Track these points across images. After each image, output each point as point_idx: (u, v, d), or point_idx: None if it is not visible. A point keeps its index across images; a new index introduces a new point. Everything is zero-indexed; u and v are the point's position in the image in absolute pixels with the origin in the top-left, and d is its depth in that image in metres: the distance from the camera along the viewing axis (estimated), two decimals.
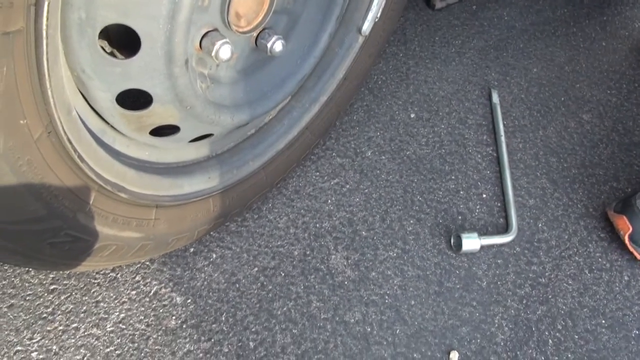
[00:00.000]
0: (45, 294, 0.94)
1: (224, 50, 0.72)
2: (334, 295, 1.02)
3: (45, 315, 0.92)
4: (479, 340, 1.01)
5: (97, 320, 0.92)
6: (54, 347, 0.89)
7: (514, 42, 1.67)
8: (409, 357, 0.97)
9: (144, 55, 0.66)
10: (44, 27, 0.52)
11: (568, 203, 1.26)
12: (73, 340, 0.90)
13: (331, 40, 1.04)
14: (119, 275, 0.98)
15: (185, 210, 0.89)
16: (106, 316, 0.93)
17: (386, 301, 1.03)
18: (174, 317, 0.95)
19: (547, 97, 1.51)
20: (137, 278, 0.99)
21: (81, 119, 0.67)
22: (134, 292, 0.97)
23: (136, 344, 0.91)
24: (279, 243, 1.08)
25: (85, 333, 0.91)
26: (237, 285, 1.01)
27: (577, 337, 1.05)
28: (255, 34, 0.83)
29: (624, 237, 1.14)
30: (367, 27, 1.02)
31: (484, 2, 1.79)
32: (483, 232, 1.17)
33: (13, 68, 0.51)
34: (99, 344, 0.90)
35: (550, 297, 1.09)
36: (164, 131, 0.81)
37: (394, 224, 1.15)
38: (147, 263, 1.01)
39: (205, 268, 1.02)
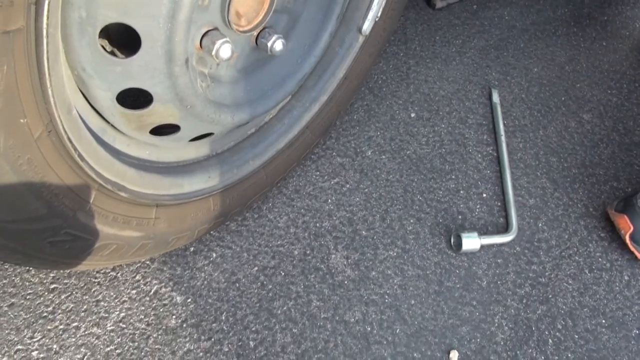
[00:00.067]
0: (46, 293, 0.94)
1: (224, 50, 0.72)
2: (334, 295, 1.02)
3: (45, 314, 0.92)
4: (478, 340, 1.01)
5: (97, 320, 0.93)
6: (55, 346, 0.89)
7: (514, 42, 1.67)
8: (409, 356, 0.97)
9: (144, 54, 0.66)
10: (45, 26, 0.52)
11: (568, 203, 1.26)
12: (73, 339, 0.90)
13: (331, 40, 1.04)
14: (119, 274, 0.98)
15: (185, 209, 0.89)
16: (106, 315, 0.93)
17: (386, 300, 1.03)
18: (174, 317, 0.95)
19: (548, 97, 1.51)
20: (137, 277, 0.99)
21: (81, 118, 0.67)
22: (134, 291, 0.97)
23: (136, 343, 0.91)
24: (279, 242, 1.08)
25: (86, 332, 0.91)
26: (237, 285, 1.01)
27: (577, 336, 1.05)
28: (255, 33, 0.83)
29: (625, 237, 1.14)
30: (367, 26, 1.02)
31: (484, 2, 1.79)
32: (483, 232, 1.17)
33: (13, 67, 0.51)
34: (100, 343, 0.90)
35: (550, 296, 1.09)
36: (164, 130, 0.81)
37: (394, 224, 1.15)
38: (148, 262, 1.01)
39: (206, 267, 1.02)
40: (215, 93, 0.84)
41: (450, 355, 0.98)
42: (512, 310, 1.06)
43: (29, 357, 0.87)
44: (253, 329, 0.96)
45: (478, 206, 1.22)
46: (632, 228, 1.13)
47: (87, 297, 0.95)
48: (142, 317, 0.94)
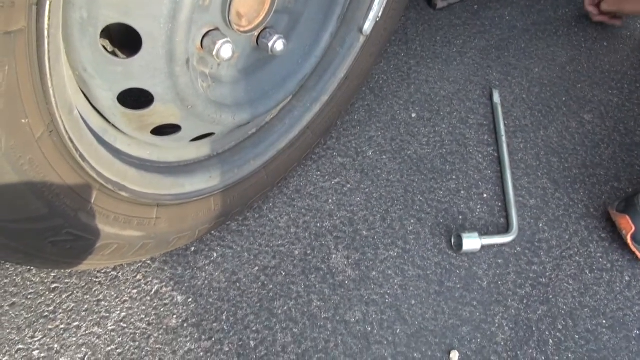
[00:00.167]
0: (47, 293, 0.94)
1: (225, 50, 0.72)
2: (334, 295, 1.03)
3: (46, 313, 0.92)
4: (479, 340, 1.01)
5: (98, 319, 0.93)
6: (56, 346, 0.89)
7: (515, 42, 1.66)
8: (409, 356, 0.97)
9: (145, 54, 0.67)
10: (46, 26, 0.52)
11: (569, 203, 1.26)
12: (74, 339, 0.90)
13: (332, 40, 1.04)
14: (120, 274, 0.99)
15: (186, 209, 0.89)
16: (107, 315, 0.93)
17: (387, 301, 1.03)
18: (175, 316, 0.95)
19: (549, 97, 1.51)
20: (138, 277, 0.99)
21: (82, 118, 0.67)
22: (135, 291, 0.97)
23: (137, 343, 0.91)
24: (279, 242, 1.08)
25: (87, 332, 0.91)
26: (238, 285, 1.01)
27: (577, 337, 1.05)
28: (256, 33, 0.83)
29: (626, 237, 1.14)
30: (368, 26, 1.02)
31: (485, 2, 1.79)
32: (484, 232, 1.17)
33: (15, 67, 0.51)
34: (100, 342, 0.90)
35: (550, 297, 1.09)
36: (165, 130, 0.81)
37: (395, 224, 1.15)
38: (149, 262, 1.01)
39: (206, 267, 1.02)
40: (216, 93, 0.84)
41: (451, 355, 0.98)
42: (513, 311, 1.06)
43: (30, 356, 0.87)
44: (254, 328, 0.96)
45: (479, 206, 1.22)
46: (633, 228, 1.13)
47: (88, 296, 0.95)
48: (143, 316, 0.94)
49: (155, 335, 0.93)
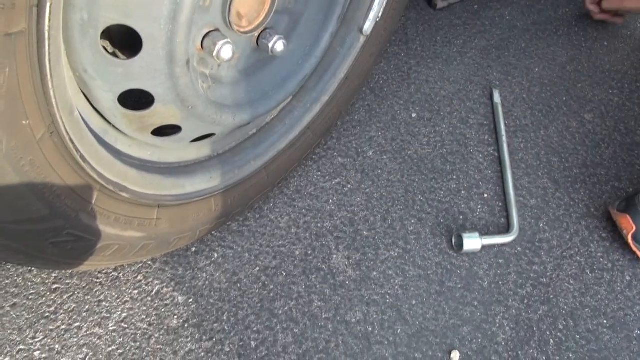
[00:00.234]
0: (48, 293, 0.94)
1: (225, 51, 0.72)
2: (335, 295, 1.03)
3: (47, 314, 0.92)
4: (480, 340, 1.01)
5: (99, 320, 0.93)
6: (57, 346, 0.89)
7: (515, 42, 1.66)
8: (410, 356, 0.97)
9: (146, 55, 0.67)
10: (46, 28, 0.52)
11: (570, 203, 1.26)
12: (75, 340, 0.90)
13: (332, 40, 1.04)
14: (121, 274, 0.99)
15: (187, 209, 0.89)
16: (108, 315, 0.93)
17: (387, 301, 1.03)
18: (175, 317, 0.96)
19: (549, 97, 1.51)
20: (139, 277, 0.99)
21: (83, 119, 0.67)
22: (136, 292, 0.97)
23: (138, 343, 0.92)
24: (280, 243, 1.08)
25: (88, 332, 0.91)
26: (239, 285, 1.01)
27: (578, 337, 1.05)
28: (256, 34, 0.83)
29: (627, 237, 1.14)
30: (368, 26, 1.02)
31: (485, 2, 1.79)
32: (484, 232, 1.17)
33: (15, 69, 0.51)
34: (101, 343, 0.91)
35: (551, 297, 1.09)
36: (165, 131, 0.82)
37: (395, 224, 1.15)
38: (149, 262, 1.01)
39: (207, 267, 1.02)
40: (216, 94, 0.84)
41: (452, 355, 0.98)
42: (514, 311, 1.06)
43: (31, 357, 0.87)
44: (254, 329, 0.96)
45: (479, 206, 1.22)
46: (634, 228, 1.13)
47: (89, 297, 0.95)
48: (144, 317, 0.94)
49: (156, 335, 0.93)
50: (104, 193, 0.71)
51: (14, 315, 0.91)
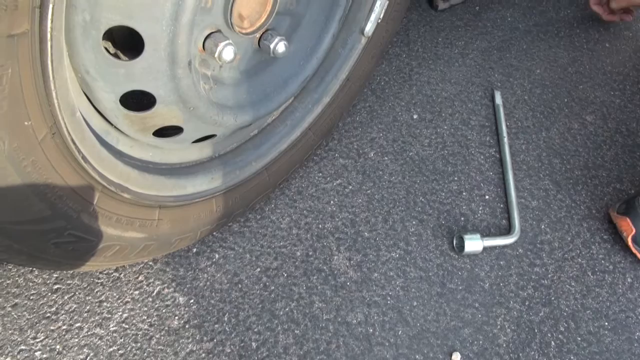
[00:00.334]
0: (49, 294, 0.94)
1: (227, 52, 0.73)
2: (336, 296, 1.03)
3: (48, 314, 0.92)
4: (481, 342, 1.01)
5: (100, 320, 0.93)
6: (58, 347, 0.89)
7: (517, 43, 1.66)
8: (411, 358, 0.97)
9: (148, 56, 0.67)
10: (49, 29, 0.52)
11: (571, 205, 1.26)
12: (76, 340, 0.90)
13: (334, 42, 1.04)
14: (122, 275, 0.99)
15: (188, 210, 0.89)
16: (109, 316, 0.94)
17: (388, 302, 1.03)
18: (176, 317, 0.96)
19: (550, 99, 1.51)
20: (140, 278, 0.99)
21: (85, 120, 0.67)
22: (137, 292, 0.97)
23: (139, 344, 0.92)
24: (281, 244, 1.08)
25: (89, 332, 0.91)
26: (240, 286, 1.01)
27: (579, 339, 1.04)
28: (258, 35, 0.83)
29: (627, 239, 1.14)
30: (370, 28, 1.02)
31: (487, 3, 1.79)
32: (485, 234, 1.17)
33: (18, 70, 0.51)
34: (102, 343, 0.91)
35: (552, 298, 1.09)
36: (167, 132, 0.82)
37: (397, 225, 1.15)
38: (150, 263, 1.01)
39: (208, 268, 1.03)
40: (218, 95, 0.84)
41: (453, 357, 0.98)
42: (515, 313, 1.06)
43: (32, 357, 0.88)
44: (255, 330, 0.96)
45: (480, 208, 1.22)
46: (634, 230, 1.13)
47: (90, 297, 0.95)
48: (145, 317, 0.94)
49: (157, 336, 0.93)
50: (105, 194, 0.71)
51: (15, 316, 0.91)
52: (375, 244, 1.11)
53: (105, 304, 0.95)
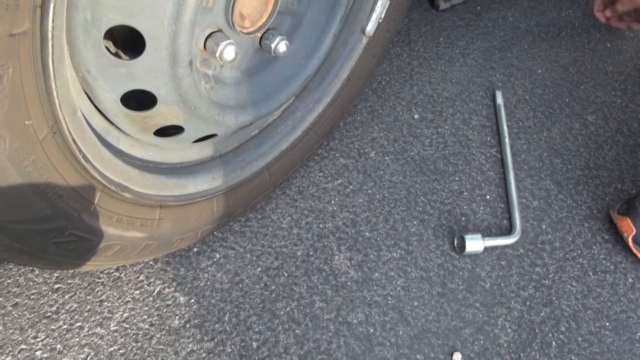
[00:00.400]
0: (50, 293, 0.94)
1: (228, 51, 0.72)
2: (337, 296, 1.03)
3: (49, 314, 0.92)
4: (482, 342, 1.01)
5: (101, 320, 0.93)
6: (58, 346, 0.89)
7: (518, 43, 1.66)
8: (411, 358, 0.97)
9: (149, 56, 0.67)
10: (50, 28, 0.52)
11: (572, 205, 1.26)
12: (77, 339, 0.90)
13: (335, 41, 1.04)
14: (122, 274, 0.99)
15: (189, 210, 0.89)
16: (110, 315, 0.94)
17: (389, 302, 1.03)
18: (177, 317, 0.96)
19: (552, 99, 1.51)
20: (140, 277, 0.99)
21: (86, 120, 0.67)
22: (137, 292, 0.97)
23: (140, 344, 0.92)
24: (282, 243, 1.08)
25: (89, 332, 0.91)
26: (241, 285, 1.01)
27: (580, 339, 1.04)
28: (259, 34, 0.83)
29: (628, 239, 1.14)
30: (371, 27, 1.02)
31: (488, 3, 1.78)
32: (486, 234, 1.17)
33: (19, 69, 0.51)
34: (103, 343, 0.91)
35: (554, 299, 1.09)
36: (168, 131, 0.82)
37: (398, 225, 1.15)
38: (151, 263, 1.01)
39: (209, 268, 1.02)
40: (219, 94, 0.84)
41: (454, 357, 0.98)
42: (516, 313, 1.06)
43: (32, 356, 0.88)
44: (256, 329, 0.96)
45: (481, 208, 1.22)
46: (634, 231, 1.13)
47: (90, 297, 0.95)
48: (146, 317, 0.94)
49: (157, 336, 0.93)
50: (106, 193, 0.71)
51: (15, 315, 0.91)
52: (376, 244, 1.11)
53: (105, 303, 0.95)
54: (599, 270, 1.15)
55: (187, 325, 0.95)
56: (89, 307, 0.94)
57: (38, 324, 0.91)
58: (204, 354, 0.92)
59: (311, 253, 1.08)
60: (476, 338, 1.01)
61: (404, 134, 1.33)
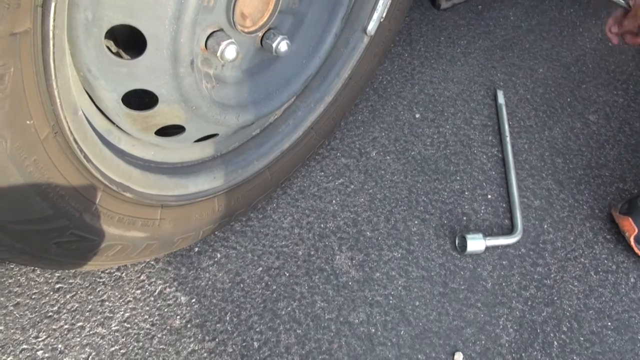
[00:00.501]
0: (51, 293, 0.94)
1: (229, 51, 0.72)
2: (338, 296, 1.02)
3: (50, 313, 0.92)
4: (483, 342, 1.01)
5: (102, 319, 0.93)
6: (60, 346, 0.89)
7: (519, 42, 1.66)
8: (413, 358, 0.97)
9: (150, 55, 0.67)
10: (51, 28, 0.52)
11: (574, 204, 1.26)
12: (78, 339, 0.90)
13: (336, 40, 1.04)
14: (124, 274, 0.99)
15: (190, 210, 0.89)
16: (111, 315, 0.93)
17: (390, 302, 1.03)
18: (178, 317, 0.96)
19: (553, 98, 1.51)
20: (142, 277, 0.99)
21: (87, 119, 0.67)
22: (139, 292, 0.97)
23: (141, 343, 0.92)
24: (283, 243, 1.08)
25: (91, 332, 0.91)
26: (242, 285, 1.01)
27: (582, 339, 1.04)
28: (260, 34, 0.83)
29: (629, 239, 1.14)
30: (372, 27, 1.01)
31: (489, 2, 1.78)
32: (488, 233, 1.16)
33: (20, 69, 0.51)
34: (104, 342, 0.91)
35: (555, 298, 1.09)
36: (169, 131, 0.81)
37: (399, 225, 1.15)
38: (152, 262, 1.01)
39: (210, 268, 1.02)
40: (220, 94, 0.84)
41: (455, 357, 0.98)
42: (517, 312, 1.06)
43: (34, 356, 0.87)
44: (257, 329, 0.96)
45: (483, 207, 1.21)
46: (636, 230, 1.13)
47: (92, 297, 0.95)
48: (147, 317, 0.94)
49: (158, 335, 0.93)
50: (107, 193, 0.71)
51: (17, 315, 0.91)
52: (377, 244, 1.11)
53: (107, 303, 0.95)
54: (601, 270, 1.15)
55: (189, 325, 0.95)
56: (90, 306, 0.94)
57: (39, 324, 0.91)
58: (205, 354, 0.92)
59: (312, 253, 1.08)
60: (478, 338, 1.01)
61: (405, 133, 1.33)
